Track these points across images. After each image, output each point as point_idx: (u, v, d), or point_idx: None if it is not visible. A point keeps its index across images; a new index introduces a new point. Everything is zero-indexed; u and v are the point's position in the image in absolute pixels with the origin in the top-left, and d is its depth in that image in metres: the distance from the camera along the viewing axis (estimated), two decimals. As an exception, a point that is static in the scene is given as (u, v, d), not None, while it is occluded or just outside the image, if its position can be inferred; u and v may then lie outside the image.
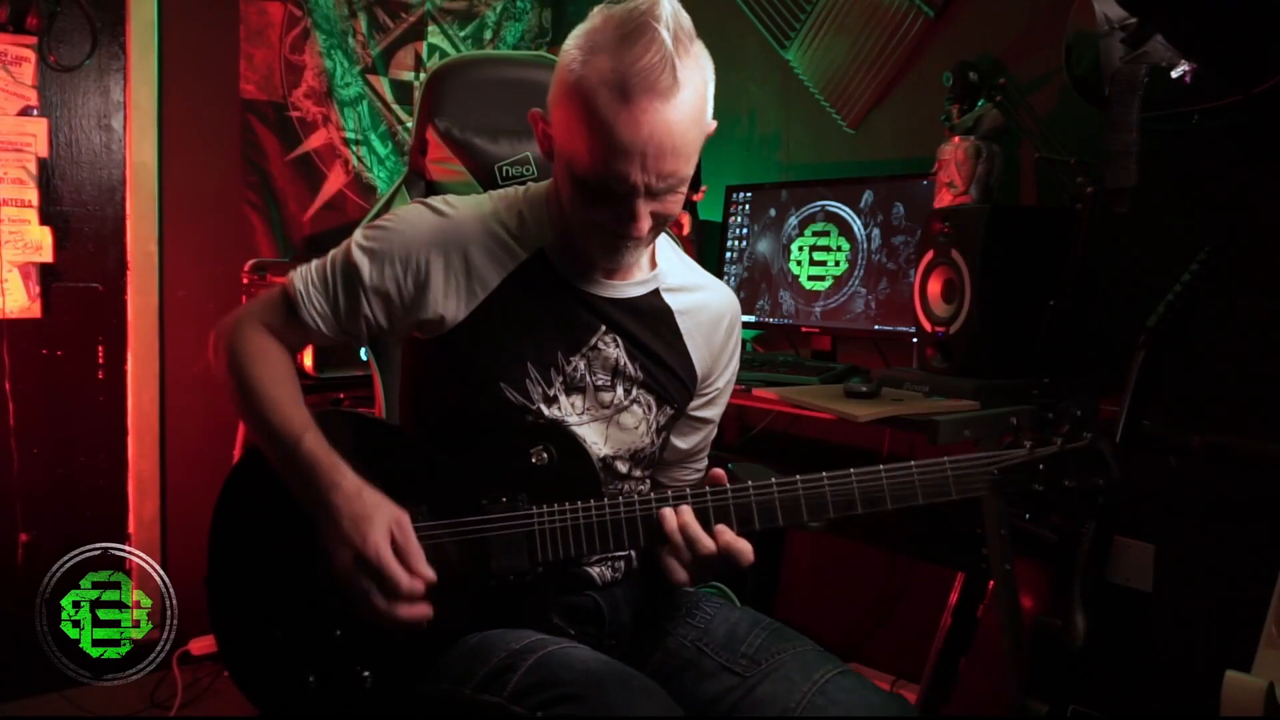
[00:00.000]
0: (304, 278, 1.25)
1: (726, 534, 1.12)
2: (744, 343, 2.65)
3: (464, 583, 1.16)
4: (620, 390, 1.26)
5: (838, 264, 2.31)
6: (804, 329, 2.37)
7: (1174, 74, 1.61)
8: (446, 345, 1.24)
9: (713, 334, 1.34)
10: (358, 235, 1.25)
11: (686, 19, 1.10)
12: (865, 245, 2.25)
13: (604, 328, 1.26)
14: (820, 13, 2.49)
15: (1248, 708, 1.27)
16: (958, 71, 2.04)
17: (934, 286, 1.90)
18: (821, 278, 2.34)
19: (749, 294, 2.49)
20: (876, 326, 2.22)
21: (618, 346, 1.26)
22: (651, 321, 1.29)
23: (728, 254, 2.56)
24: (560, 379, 1.23)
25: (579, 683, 1.02)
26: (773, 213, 2.46)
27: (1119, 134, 1.59)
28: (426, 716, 1.15)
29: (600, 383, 1.25)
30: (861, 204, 2.27)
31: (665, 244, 1.35)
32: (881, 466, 1.11)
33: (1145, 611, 1.89)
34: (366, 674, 1.18)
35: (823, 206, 2.35)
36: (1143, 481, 1.76)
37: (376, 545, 1.09)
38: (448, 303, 1.22)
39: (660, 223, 1.17)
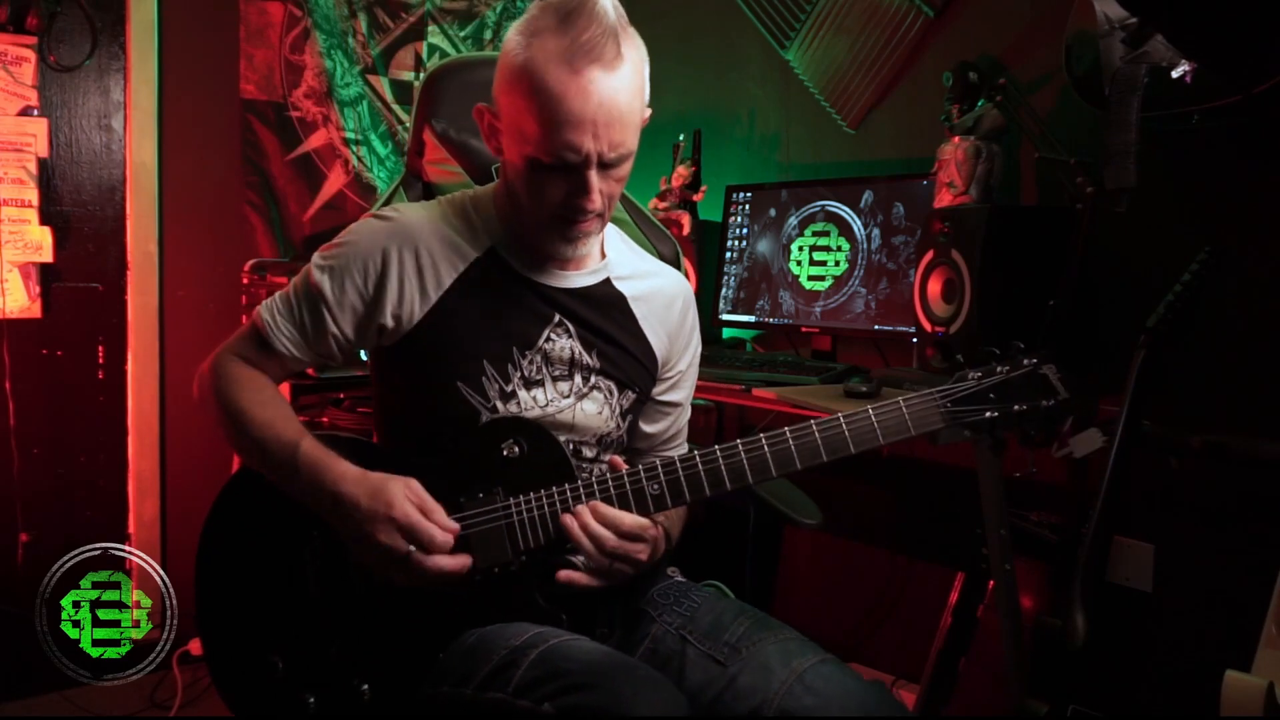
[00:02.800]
0: (270, 309, 1.28)
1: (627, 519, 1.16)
2: (744, 343, 2.67)
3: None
4: (579, 379, 1.29)
5: (838, 264, 2.31)
6: (804, 329, 2.37)
7: (1174, 74, 1.61)
8: (405, 349, 1.26)
9: (667, 316, 1.38)
10: (315, 258, 1.28)
11: (619, 6, 1.16)
12: (865, 245, 2.25)
13: (558, 317, 1.28)
14: (820, 13, 2.49)
15: (1248, 708, 1.27)
16: (958, 71, 2.04)
17: (934, 286, 1.90)
18: (821, 278, 2.34)
19: (749, 294, 2.49)
20: (876, 326, 2.22)
21: (572, 337, 1.29)
22: (606, 309, 1.32)
23: (728, 254, 2.56)
24: (518, 374, 1.26)
25: (584, 673, 1.02)
26: (773, 213, 2.46)
27: (1119, 134, 1.59)
28: None
29: (558, 374, 1.28)
30: (861, 204, 2.27)
31: (613, 234, 1.39)
32: (841, 414, 1.15)
33: (1145, 611, 1.89)
34: (365, 687, 1.18)
35: (823, 206, 2.35)
36: (1143, 481, 1.76)
37: (404, 508, 1.13)
38: (403, 303, 1.25)
39: (608, 201, 1.20)
